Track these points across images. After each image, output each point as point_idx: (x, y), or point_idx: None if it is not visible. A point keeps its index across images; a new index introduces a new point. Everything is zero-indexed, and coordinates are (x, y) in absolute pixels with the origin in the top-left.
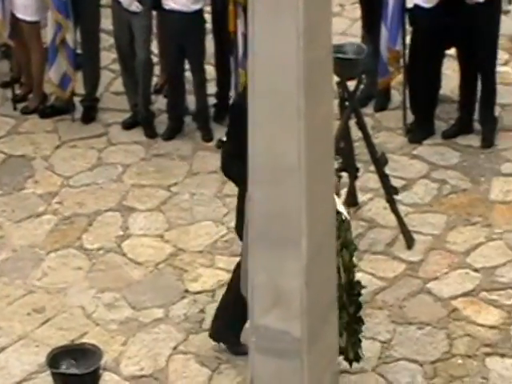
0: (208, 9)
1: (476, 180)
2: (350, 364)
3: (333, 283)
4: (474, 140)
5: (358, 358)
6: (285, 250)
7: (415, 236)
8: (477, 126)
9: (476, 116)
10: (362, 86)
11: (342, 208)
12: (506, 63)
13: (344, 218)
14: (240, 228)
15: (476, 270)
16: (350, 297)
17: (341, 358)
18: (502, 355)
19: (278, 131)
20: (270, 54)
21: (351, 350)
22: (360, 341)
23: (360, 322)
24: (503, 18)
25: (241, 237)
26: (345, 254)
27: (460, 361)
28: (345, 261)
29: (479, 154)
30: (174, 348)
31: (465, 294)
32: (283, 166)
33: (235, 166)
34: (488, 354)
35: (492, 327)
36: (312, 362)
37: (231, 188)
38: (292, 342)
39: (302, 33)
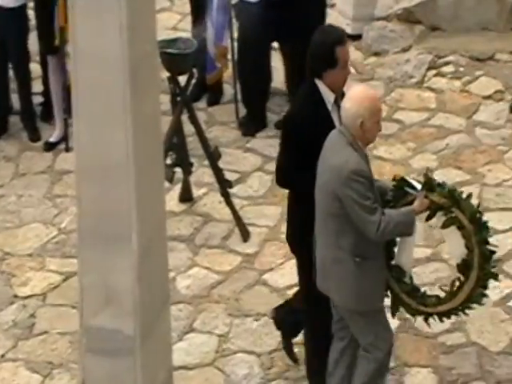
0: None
1: None
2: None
3: (165, 278)
4: None
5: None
6: (115, 248)
7: (251, 228)
8: None
9: None
10: (193, 81)
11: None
12: None
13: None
14: (293, 237)
15: None
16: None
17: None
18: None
19: (104, 127)
20: (94, 49)
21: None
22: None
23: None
24: (329, 11)
25: (291, 245)
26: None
27: (296, 349)
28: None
29: None
30: (2, 356)
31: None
32: (111, 162)
33: (295, 178)
34: None
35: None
36: (145, 359)
37: (62, 189)
38: (124, 340)
39: (125, 27)
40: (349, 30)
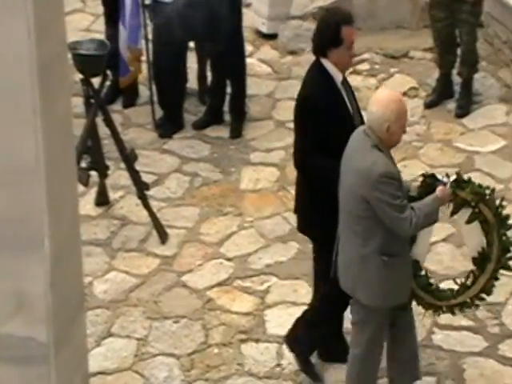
0: None
1: (227, 171)
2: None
3: (80, 283)
4: (224, 131)
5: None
6: (27, 254)
7: (169, 230)
8: (227, 116)
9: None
10: (108, 83)
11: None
12: (250, 55)
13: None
14: (305, 225)
15: (229, 260)
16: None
17: None
18: (257, 340)
19: (13, 130)
20: (1, 50)
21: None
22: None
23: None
24: (245, 10)
25: (304, 233)
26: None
27: (216, 350)
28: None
29: (229, 145)
30: None
31: (219, 284)
32: (21, 166)
33: (315, 162)
34: (243, 341)
35: (246, 314)
36: (60, 366)
37: None
38: (38, 347)
39: (33, 28)
40: (264, 30)
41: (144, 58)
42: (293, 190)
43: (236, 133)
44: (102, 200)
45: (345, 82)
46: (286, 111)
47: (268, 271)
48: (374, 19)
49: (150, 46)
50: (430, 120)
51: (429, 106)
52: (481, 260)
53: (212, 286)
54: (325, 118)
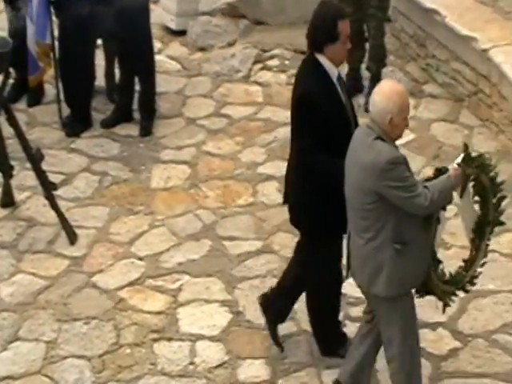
0: None
1: (136, 169)
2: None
3: None
4: (133, 129)
5: None
6: None
7: (78, 230)
8: (136, 114)
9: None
10: (11, 81)
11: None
12: (159, 52)
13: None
14: (299, 218)
15: (140, 259)
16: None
17: None
18: (169, 339)
19: None
20: None
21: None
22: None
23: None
24: (153, 6)
25: (298, 227)
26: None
27: (128, 350)
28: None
29: (138, 143)
30: None
31: (130, 284)
32: None
33: (317, 159)
34: (156, 340)
35: (159, 313)
36: None
37: None
38: None
39: None
40: (173, 26)
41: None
42: (204, 187)
43: (146, 131)
44: (7, 201)
45: (340, 75)
46: (197, 108)
47: (180, 269)
48: (283, 15)
49: (57, 43)
50: None
51: None
52: (479, 228)
53: (123, 286)
54: (322, 114)
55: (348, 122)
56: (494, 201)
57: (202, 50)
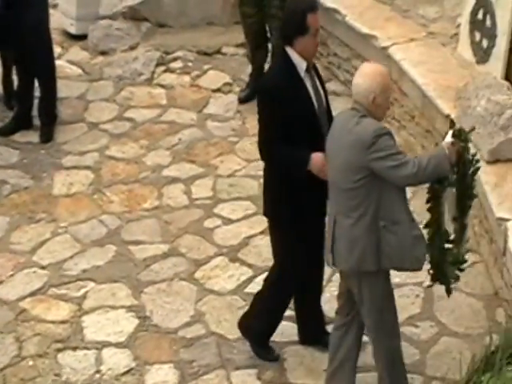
0: None
1: (38, 176)
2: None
3: None
4: (33, 136)
5: None
6: None
7: None
8: (36, 121)
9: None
10: None
11: None
12: (59, 57)
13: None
14: (273, 211)
15: (43, 268)
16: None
17: None
18: (74, 348)
19: None
20: None
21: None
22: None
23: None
24: (52, 11)
25: (271, 220)
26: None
27: (31, 362)
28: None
29: (39, 149)
30: None
31: (33, 294)
32: None
33: (281, 150)
34: (60, 350)
35: (63, 322)
36: None
37: None
38: None
39: None
40: (73, 31)
41: None
42: (108, 192)
43: (46, 137)
44: None
45: (310, 69)
46: (99, 112)
47: (85, 276)
48: (185, 17)
49: None
50: (245, 115)
51: (243, 100)
52: (460, 203)
53: (25, 297)
54: (285, 107)
55: (315, 114)
56: (471, 174)
57: (104, 54)
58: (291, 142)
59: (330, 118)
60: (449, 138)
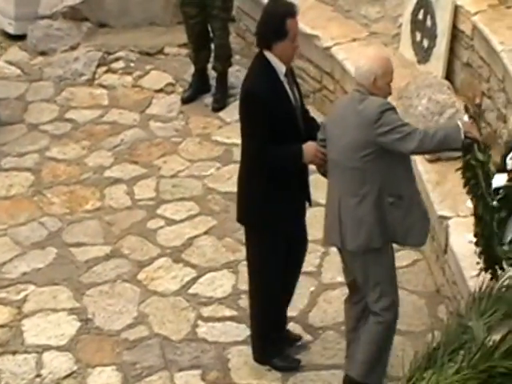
0: None
1: None
2: None
3: None
4: None
5: None
6: None
7: None
8: None
9: None
10: None
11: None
12: None
13: None
14: (252, 214)
15: None
16: None
17: None
18: (14, 352)
19: None
20: None
21: None
22: None
23: None
24: None
25: (249, 225)
26: None
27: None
28: None
29: None
30: None
31: None
32: None
33: (273, 151)
34: None
35: (2, 326)
36: None
37: None
38: None
39: None
40: (11, 30)
41: None
42: (49, 194)
43: None
44: None
45: (288, 73)
46: (39, 113)
47: (25, 279)
48: (127, 17)
49: None
50: (188, 115)
51: (186, 101)
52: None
53: None
54: (268, 111)
55: (295, 116)
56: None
57: (44, 54)
58: (275, 142)
59: (305, 116)
60: (466, 118)
